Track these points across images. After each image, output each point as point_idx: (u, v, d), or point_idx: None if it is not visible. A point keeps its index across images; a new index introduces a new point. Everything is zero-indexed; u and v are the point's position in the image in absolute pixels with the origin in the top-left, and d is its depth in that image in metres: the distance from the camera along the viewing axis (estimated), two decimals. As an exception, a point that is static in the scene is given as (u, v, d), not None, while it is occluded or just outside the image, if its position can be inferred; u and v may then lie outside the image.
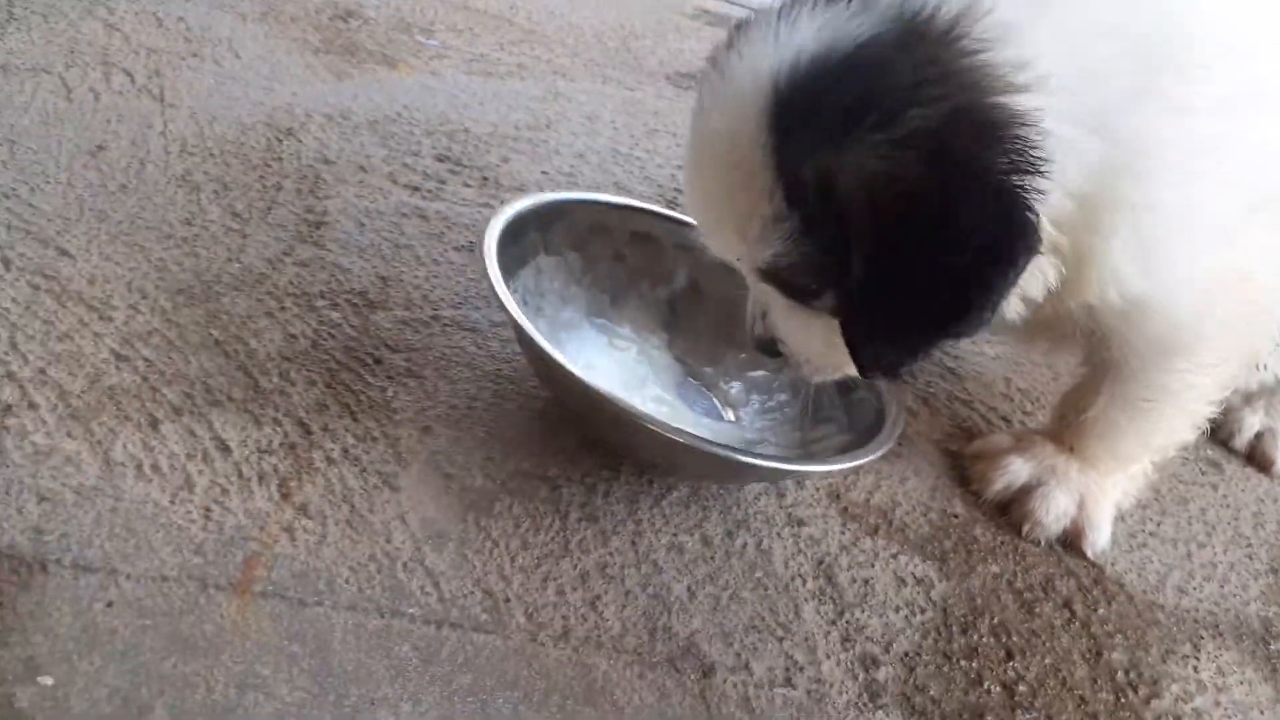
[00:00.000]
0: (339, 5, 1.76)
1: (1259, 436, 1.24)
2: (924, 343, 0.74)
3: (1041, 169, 0.66)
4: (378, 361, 0.96)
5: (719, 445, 0.83)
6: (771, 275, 0.77)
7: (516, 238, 1.00)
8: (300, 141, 1.30)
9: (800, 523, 0.93)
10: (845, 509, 0.96)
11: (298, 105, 1.38)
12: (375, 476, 0.83)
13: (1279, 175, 0.77)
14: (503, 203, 1.29)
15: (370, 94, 1.48)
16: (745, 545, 0.88)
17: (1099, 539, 0.99)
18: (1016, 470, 1.01)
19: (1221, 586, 1.01)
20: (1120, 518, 1.05)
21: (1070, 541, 0.99)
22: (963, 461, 1.07)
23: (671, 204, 1.45)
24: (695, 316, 1.11)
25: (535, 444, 0.91)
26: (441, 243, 1.17)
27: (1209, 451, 1.24)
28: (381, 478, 0.83)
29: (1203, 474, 1.19)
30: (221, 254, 1.05)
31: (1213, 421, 1.28)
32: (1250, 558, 1.07)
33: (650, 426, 0.80)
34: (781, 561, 0.88)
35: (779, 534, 0.91)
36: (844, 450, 0.91)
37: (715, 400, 1.06)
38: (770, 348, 0.88)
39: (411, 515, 0.81)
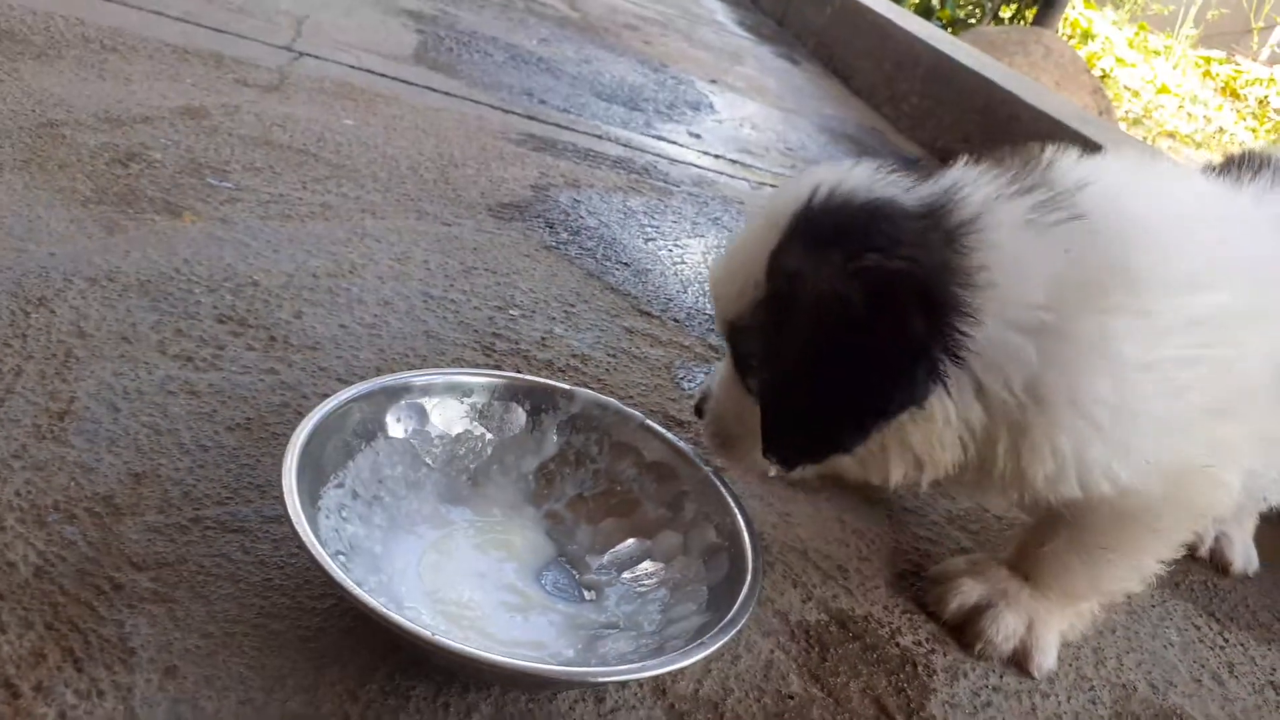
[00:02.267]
0: (120, 148, 1.62)
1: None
2: (818, 443, 0.90)
3: (961, 355, 0.82)
4: (117, 587, 0.81)
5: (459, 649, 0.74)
6: (733, 333, 0.96)
7: (343, 428, 0.93)
8: (53, 312, 1.15)
9: (621, 732, 0.83)
10: (672, 706, 0.87)
11: (55, 268, 1.23)
12: (97, 747, 0.69)
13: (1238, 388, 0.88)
14: (290, 366, 1.19)
15: (146, 249, 1.34)
16: (556, 774, 0.77)
17: (1045, 660, 1.03)
18: (968, 591, 1.05)
19: (1068, 743, 0.97)
20: (964, 673, 1.00)
21: (1018, 660, 1.03)
22: (819, 621, 1.00)
23: (488, 349, 1.36)
24: (564, 486, 1.04)
25: (307, 675, 0.78)
26: (212, 423, 1.03)
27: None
28: (105, 748, 0.69)
29: (1040, 608, 1.16)
30: (-70, 464, 0.89)
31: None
32: (1094, 703, 1.03)
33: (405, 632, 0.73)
34: (598, 789, 0.77)
35: (595, 752, 0.80)
36: (702, 631, 0.84)
37: (578, 579, 0.97)
38: (701, 405, 1.07)
39: (139, 797, 0.66)
